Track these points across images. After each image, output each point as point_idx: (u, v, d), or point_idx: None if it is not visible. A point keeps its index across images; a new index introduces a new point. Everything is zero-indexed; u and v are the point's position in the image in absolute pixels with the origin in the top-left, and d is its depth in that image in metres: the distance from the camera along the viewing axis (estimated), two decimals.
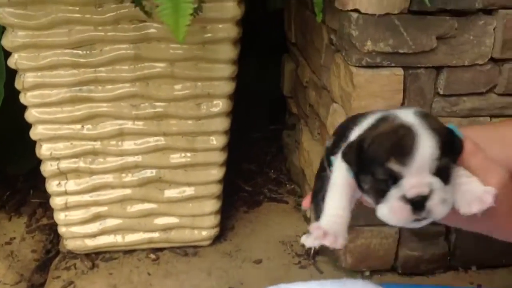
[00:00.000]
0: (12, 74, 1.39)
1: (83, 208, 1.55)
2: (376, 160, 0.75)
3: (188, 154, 1.51)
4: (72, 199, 1.53)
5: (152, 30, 1.35)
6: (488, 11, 1.34)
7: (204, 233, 1.63)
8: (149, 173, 1.52)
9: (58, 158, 1.47)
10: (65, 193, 1.52)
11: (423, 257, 1.55)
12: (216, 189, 1.57)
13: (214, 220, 1.62)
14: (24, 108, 1.42)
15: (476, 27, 1.34)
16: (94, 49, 1.36)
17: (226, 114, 1.49)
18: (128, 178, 1.52)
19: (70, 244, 1.59)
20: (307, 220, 1.77)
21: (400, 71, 1.36)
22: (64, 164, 1.48)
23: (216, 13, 1.34)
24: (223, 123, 1.49)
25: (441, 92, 1.39)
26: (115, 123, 1.45)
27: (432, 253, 1.55)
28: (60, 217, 1.55)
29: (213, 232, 1.64)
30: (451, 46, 1.35)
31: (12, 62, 1.35)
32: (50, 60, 1.35)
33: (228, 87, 1.44)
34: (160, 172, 1.52)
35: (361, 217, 1.47)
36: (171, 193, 1.56)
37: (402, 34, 1.33)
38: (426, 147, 0.73)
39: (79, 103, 1.42)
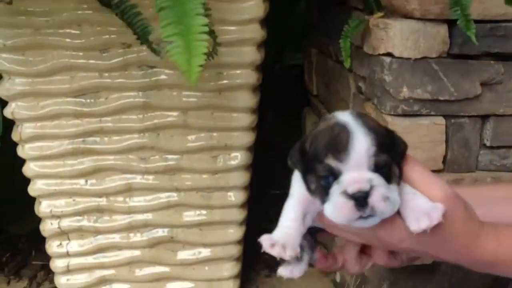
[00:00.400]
0: (9, 125, 1.27)
1: (86, 272, 1.41)
2: (316, 157, 0.78)
3: (204, 212, 1.37)
4: (75, 261, 1.39)
5: (162, 77, 1.23)
6: None
7: None
8: (160, 232, 1.38)
9: (59, 216, 1.34)
10: (67, 254, 1.38)
11: None
12: (235, 250, 1.42)
13: (233, 285, 1.46)
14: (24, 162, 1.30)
15: None
16: (99, 97, 1.24)
17: (245, 168, 1.34)
18: (137, 238, 1.38)
19: None
20: (337, 285, 1.60)
21: (441, 120, 1.21)
22: (66, 223, 1.35)
23: (233, 58, 1.22)
24: (242, 178, 1.34)
25: (488, 144, 1.24)
26: (123, 177, 1.32)
27: None
28: (61, 281, 1.41)
29: None
30: (498, 92, 1.21)
31: (9, 111, 1.24)
32: (50, 109, 1.24)
33: (247, 138, 1.31)
34: (172, 232, 1.38)
35: (402, 285, 1.30)
36: (184, 254, 1.41)
37: (442, 79, 1.19)
38: (361, 143, 0.75)
39: (82, 156, 1.29)
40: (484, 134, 1.25)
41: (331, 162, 0.76)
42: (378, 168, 0.76)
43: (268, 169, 1.95)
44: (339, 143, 0.76)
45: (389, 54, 1.18)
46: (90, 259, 1.39)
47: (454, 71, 1.18)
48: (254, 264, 1.73)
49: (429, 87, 1.18)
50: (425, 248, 0.82)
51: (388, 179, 0.77)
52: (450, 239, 0.79)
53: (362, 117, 0.79)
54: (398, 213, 0.78)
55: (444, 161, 1.24)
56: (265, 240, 0.83)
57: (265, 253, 1.85)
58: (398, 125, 1.20)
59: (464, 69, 1.18)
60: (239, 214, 1.38)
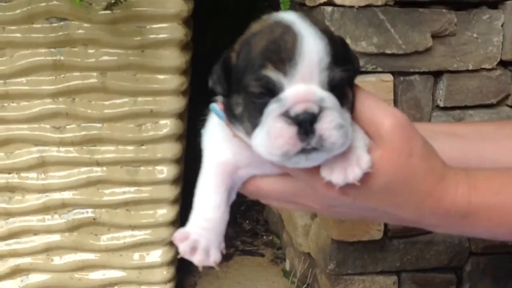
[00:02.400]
0: None
1: None
2: (248, 69, 0.59)
3: (130, 189, 1.23)
4: None
5: (77, 31, 1.09)
6: (493, 4, 1.12)
7: None
8: (81, 213, 1.23)
9: None
10: None
11: None
12: (168, 233, 1.27)
13: (166, 273, 1.31)
14: None
15: (479, 22, 1.11)
16: (3, 55, 1.10)
17: (176, 138, 1.20)
18: (55, 220, 1.23)
19: None
20: (286, 273, 1.48)
21: (389, 77, 1.10)
22: None
23: (156, 9, 1.08)
24: (173, 149, 1.21)
25: (442, 104, 1.14)
26: (35, 150, 1.18)
27: None
28: None
29: None
30: (451, 46, 1.11)
31: None
32: None
33: (176, 103, 1.17)
34: (95, 213, 1.24)
35: (350, 264, 1.17)
36: (110, 239, 1.26)
37: (389, 30, 1.07)
38: (313, 49, 0.57)
39: None
40: (437, 94, 1.14)
41: (270, 73, 0.58)
42: (332, 86, 0.59)
43: None
44: (282, 49, 0.58)
45: (330, 3, 1.06)
46: (1, 246, 1.24)
47: (402, 21, 1.07)
48: None
49: (374, 39, 1.07)
50: (378, 202, 0.68)
51: (342, 102, 0.60)
52: (408, 181, 0.66)
53: (311, 17, 0.61)
54: None
55: None
56: (181, 242, 0.67)
57: None
58: None
59: (413, 18, 1.07)
60: (171, 192, 1.24)
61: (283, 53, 0.58)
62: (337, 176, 0.61)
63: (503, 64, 1.13)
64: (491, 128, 0.87)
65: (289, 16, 0.60)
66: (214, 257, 0.68)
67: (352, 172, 0.61)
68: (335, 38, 0.62)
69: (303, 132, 0.57)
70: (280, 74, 0.58)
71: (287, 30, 0.58)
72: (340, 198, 0.67)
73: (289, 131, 0.58)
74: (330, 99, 0.58)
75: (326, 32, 0.60)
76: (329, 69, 0.58)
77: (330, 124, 0.58)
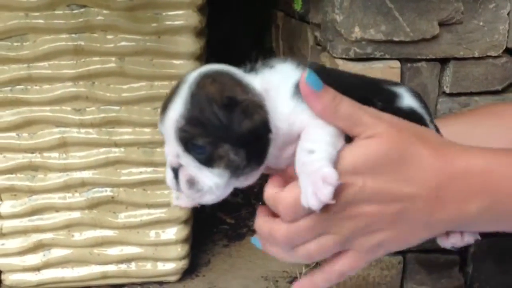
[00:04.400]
0: None
1: (22, 235, 1.30)
2: None
3: (147, 169, 1.27)
4: (9, 224, 1.28)
5: (96, 18, 1.13)
6: None
7: (170, 266, 1.37)
8: (100, 192, 1.28)
9: None
10: (0, 216, 1.27)
11: None
12: (183, 212, 1.32)
13: (181, 250, 1.36)
14: None
15: (486, 11, 1.13)
16: (26, 40, 1.14)
17: None
18: (75, 198, 1.28)
19: (9, 279, 1.34)
20: None
21: (396, 64, 1.13)
22: None
23: None
24: None
25: (448, 91, 1.16)
26: (56, 131, 1.22)
27: (445, 287, 1.28)
28: None
29: (181, 264, 1.37)
30: (457, 33, 1.13)
31: None
32: None
33: None
34: (113, 191, 1.28)
35: None
36: (128, 217, 1.31)
37: (397, 18, 1.10)
38: (173, 110, 0.67)
39: (11, 107, 1.19)
40: (443, 80, 1.16)
41: (159, 125, 0.71)
42: (188, 146, 0.67)
43: None
44: (163, 105, 0.70)
45: None
46: (25, 222, 1.29)
47: (410, 9, 1.09)
48: (212, 235, 1.65)
49: (382, 27, 1.10)
50: (387, 183, 0.66)
51: (209, 161, 0.67)
52: (406, 149, 0.65)
53: (207, 78, 0.68)
54: None
55: None
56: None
57: (224, 224, 1.77)
58: (350, 70, 1.11)
59: (420, 7, 1.09)
60: None
61: (162, 110, 0.70)
62: (312, 201, 0.63)
63: (509, 51, 1.15)
64: (468, 129, 0.90)
65: (191, 76, 0.69)
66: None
67: (322, 194, 0.62)
68: (215, 100, 0.66)
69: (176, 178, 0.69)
70: (161, 127, 0.70)
71: (173, 90, 0.69)
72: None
73: (169, 177, 0.71)
74: (186, 158, 0.67)
75: (200, 95, 0.66)
76: (183, 132, 0.66)
77: (183, 180, 0.68)
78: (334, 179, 0.62)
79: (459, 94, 1.17)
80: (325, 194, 0.62)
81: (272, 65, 0.73)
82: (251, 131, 0.65)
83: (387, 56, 1.12)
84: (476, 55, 1.14)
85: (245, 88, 0.68)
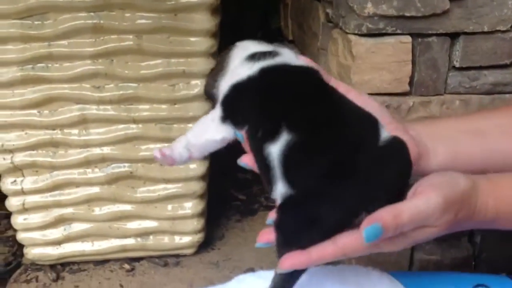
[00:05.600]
0: None
1: (43, 210, 1.34)
2: None
3: (164, 145, 1.29)
4: (31, 199, 1.33)
5: None
6: None
7: (187, 239, 1.41)
8: (119, 167, 1.32)
9: (11, 151, 1.27)
10: (22, 192, 1.31)
11: (442, 261, 1.31)
12: (198, 187, 1.36)
13: (197, 224, 1.40)
14: None
15: None
16: (47, 19, 1.17)
17: (206, 97, 1.27)
18: (95, 174, 1.32)
19: (31, 253, 1.38)
20: None
21: (407, 39, 1.14)
22: (19, 158, 1.28)
23: None
24: (204, 108, 1.28)
25: (457, 65, 1.18)
26: (76, 108, 1.25)
27: (453, 257, 1.31)
28: (17, 221, 1.35)
29: (197, 238, 1.42)
30: (467, 8, 1.14)
31: None
32: None
33: (206, 64, 1.24)
34: (131, 167, 1.32)
35: None
36: (146, 191, 1.35)
37: None
38: None
39: (32, 84, 1.22)
40: (453, 55, 1.19)
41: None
42: None
43: None
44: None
45: None
46: (46, 197, 1.33)
47: None
48: (225, 211, 1.69)
49: (394, 2, 1.11)
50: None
51: None
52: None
53: None
54: None
55: (410, 83, 1.17)
56: None
57: (237, 200, 1.80)
58: (362, 45, 1.14)
59: None
60: None
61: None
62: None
63: None
64: (510, 121, 0.85)
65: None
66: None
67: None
68: None
69: None
70: None
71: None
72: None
73: None
74: None
75: None
76: None
77: None
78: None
79: (468, 68, 1.19)
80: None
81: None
82: None
83: (398, 31, 1.14)
84: (486, 29, 1.15)
85: None
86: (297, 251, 0.60)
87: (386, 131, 0.64)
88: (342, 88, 0.72)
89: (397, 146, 0.63)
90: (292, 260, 0.59)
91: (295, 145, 0.60)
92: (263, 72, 0.67)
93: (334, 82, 0.72)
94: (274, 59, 0.69)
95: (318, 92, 0.66)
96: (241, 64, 0.70)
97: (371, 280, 0.75)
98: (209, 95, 0.75)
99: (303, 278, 0.69)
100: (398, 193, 0.61)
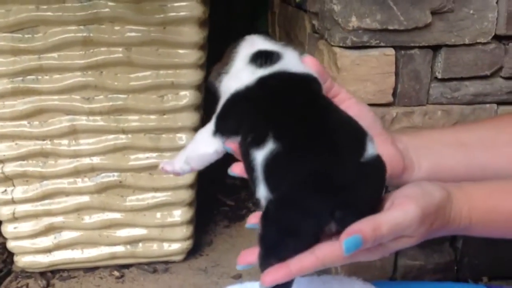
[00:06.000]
0: None
1: (33, 219, 1.36)
2: None
3: (153, 155, 1.33)
4: (21, 208, 1.34)
5: (104, 10, 1.18)
6: None
7: (175, 246, 1.43)
8: (108, 177, 1.34)
9: (1, 161, 1.29)
10: (12, 201, 1.33)
11: (426, 267, 1.35)
12: (187, 195, 1.38)
13: (186, 231, 1.42)
14: None
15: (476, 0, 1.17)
16: (37, 32, 1.19)
17: (194, 108, 1.30)
18: (85, 183, 1.34)
19: (21, 261, 1.40)
20: None
21: (391, 51, 1.18)
22: (10, 168, 1.30)
23: None
24: (192, 118, 1.30)
25: (439, 76, 1.22)
26: (66, 118, 1.27)
27: (436, 262, 1.35)
28: (7, 229, 1.36)
29: (186, 245, 1.44)
30: (448, 21, 1.18)
31: None
32: None
33: (195, 75, 1.26)
34: (121, 176, 1.34)
35: None
36: (135, 200, 1.37)
37: (392, 8, 1.15)
38: None
39: (22, 96, 1.24)
40: (435, 66, 1.22)
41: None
42: None
43: None
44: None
45: None
46: (36, 206, 1.35)
47: None
48: (213, 216, 1.71)
49: (378, 16, 1.15)
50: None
51: None
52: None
53: None
54: None
55: (394, 94, 1.21)
56: None
57: (225, 206, 1.82)
58: (347, 57, 1.17)
59: None
60: None
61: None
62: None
63: (497, 38, 1.20)
64: (492, 134, 0.88)
65: None
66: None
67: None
68: None
69: None
70: None
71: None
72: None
73: None
74: None
75: None
76: None
77: None
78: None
79: (450, 79, 1.22)
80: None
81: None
82: None
83: (382, 44, 1.17)
84: (467, 42, 1.19)
85: None
86: (277, 265, 0.61)
87: (373, 148, 0.66)
88: (343, 94, 0.75)
89: (377, 166, 0.66)
90: (272, 275, 0.61)
91: (278, 154, 0.63)
92: (261, 81, 0.70)
93: (336, 88, 0.75)
94: (275, 66, 0.72)
95: (309, 103, 0.69)
96: (243, 68, 0.73)
97: None
98: (211, 86, 0.77)
99: None
100: (368, 208, 0.63)
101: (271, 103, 0.68)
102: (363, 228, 0.60)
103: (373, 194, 0.65)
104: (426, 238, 0.68)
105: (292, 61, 0.74)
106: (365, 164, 0.64)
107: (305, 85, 0.72)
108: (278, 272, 0.61)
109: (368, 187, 0.64)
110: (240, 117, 0.70)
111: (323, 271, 1.12)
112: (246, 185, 1.87)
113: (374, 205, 0.65)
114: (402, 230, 0.63)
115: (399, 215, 0.63)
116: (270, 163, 0.63)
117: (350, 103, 0.74)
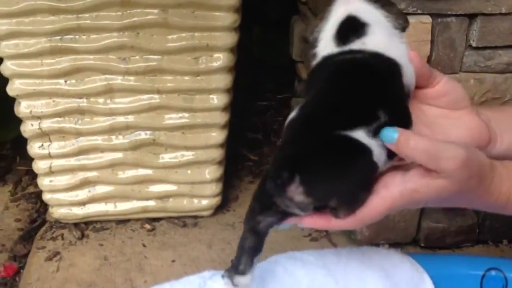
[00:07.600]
0: None
1: (69, 173, 1.40)
2: None
3: (186, 114, 1.35)
4: (57, 163, 1.38)
5: None
6: None
7: (205, 202, 1.47)
8: (142, 135, 1.37)
9: (39, 117, 1.32)
10: (49, 156, 1.37)
11: (448, 229, 1.39)
12: (217, 154, 1.41)
13: (215, 188, 1.46)
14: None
15: None
16: None
17: (227, 70, 1.32)
18: (119, 140, 1.37)
19: (57, 213, 1.45)
20: None
21: (428, 19, 1.18)
22: (47, 124, 1.33)
23: None
24: (225, 80, 1.32)
25: (474, 44, 1.22)
26: (103, 78, 1.29)
27: (459, 225, 1.39)
28: (44, 182, 1.40)
29: (215, 201, 1.48)
30: None
31: None
32: (25, 4, 1.19)
33: (229, 38, 1.27)
34: (154, 134, 1.37)
35: None
36: (167, 157, 1.40)
37: None
38: None
39: (60, 55, 1.26)
40: (470, 35, 1.22)
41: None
42: None
43: (255, 84, 1.93)
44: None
45: None
46: (72, 161, 1.38)
47: None
48: (238, 171, 1.75)
49: None
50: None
51: None
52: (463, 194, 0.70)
53: None
54: None
55: (428, 62, 1.22)
56: None
57: (248, 161, 1.85)
58: None
59: None
60: (222, 117, 1.37)
61: None
62: None
63: None
64: None
65: None
66: None
67: None
68: None
69: None
70: None
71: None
72: None
73: None
74: None
75: None
76: None
77: None
78: None
79: (484, 48, 1.23)
80: None
81: None
82: None
83: (419, 12, 1.17)
84: (503, 11, 1.19)
85: None
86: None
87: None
88: (435, 73, 0.79)
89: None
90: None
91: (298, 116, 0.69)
92: (339, 54, 0.73)
93: (426, 69, 0.77)
94: (356, 42, 0.73)
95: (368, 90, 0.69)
96: (329, 39, 0.74)
97: (394, 263, 0.82)
98: (307, 39, 0.78)
99: (332, 259, 0.76)
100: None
101: (335, 81, 0.71)
102: (403, 132, 0.64)
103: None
104: (459, 195, 0.68)
105: (378, 37, 0.74)
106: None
107: (381, 74, 0.71)
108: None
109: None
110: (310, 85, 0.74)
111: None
112: (269, 139, 1.91)
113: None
114: (439, 152, 0.64)
115: (442, 143, 0.66)
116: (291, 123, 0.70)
117: (443, 81, 0.79)
